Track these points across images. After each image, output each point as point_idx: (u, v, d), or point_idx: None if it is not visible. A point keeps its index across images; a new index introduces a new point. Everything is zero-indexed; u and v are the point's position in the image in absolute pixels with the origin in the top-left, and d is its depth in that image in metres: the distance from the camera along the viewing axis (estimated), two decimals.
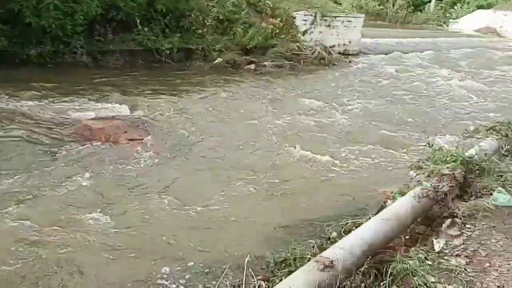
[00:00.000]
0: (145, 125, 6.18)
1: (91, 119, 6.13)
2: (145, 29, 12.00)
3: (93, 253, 3.49)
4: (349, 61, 15.02)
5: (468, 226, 3.21)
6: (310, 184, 5.01)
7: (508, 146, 4.96)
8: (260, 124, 7.13)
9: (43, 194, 4.33)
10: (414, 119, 8.04)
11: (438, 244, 2.94)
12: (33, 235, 3.62)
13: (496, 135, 5.20)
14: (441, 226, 3.30)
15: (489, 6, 33.12)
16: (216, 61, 12.29)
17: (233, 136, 6.39)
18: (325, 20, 16.12)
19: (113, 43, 11.56)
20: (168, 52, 11.80)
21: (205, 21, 13.27)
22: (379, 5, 36.63)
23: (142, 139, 5.60)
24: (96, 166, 4.98)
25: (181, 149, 5.70)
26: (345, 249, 2.51)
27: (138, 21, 11.90)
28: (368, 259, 2.68)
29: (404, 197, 3.38)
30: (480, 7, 33.62)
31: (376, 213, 3.47)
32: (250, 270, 2.57)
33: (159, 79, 9.72)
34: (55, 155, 5.13)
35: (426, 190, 3.43)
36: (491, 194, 3.71)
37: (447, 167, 3.69)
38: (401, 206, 3.20)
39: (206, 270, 3.30)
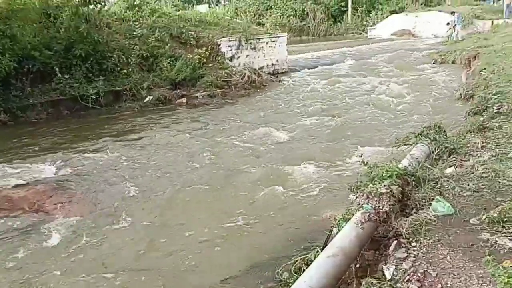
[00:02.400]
0: (74, 183, 5.74)
1: (11, 187, 5.60)
2: (66, 76, 11.45)
3: None
4: (279, 80, 15.23)
5: (413, 244, 3.17)
6: (253, 221, 4.84)
7: (438, 150, 5.10)
8: (195, 162, 6.87)
9: None
10: (347, 132, 8.17)
11: (388, 271, 2.87)
12: None
13: (426, 140, 5.34)
14: (388, 248, 3.25)
15: (401, 10, 35.25)
16: (146, 99, 11.96)
17: (167, 181, 6.09)
18: (250, 43, 16.34)
19: (33, 96, 10.91)
20: (94, 97, 11.31)
21: (129, 60, 12.95)
22: (301, 21, 37.98)
23: (69, 201, 5.18)
24: (14, 242, 4.48)
25: (113, 205, 5.32)
26: None
27: (57, 69, 11.36)
28: None
29: (347, 225, 3.31)
30: (393, 12, 35.68)
31: (323, 247, 3.36)
32: None
33: (87, 128, 9.24)
34: None
35: (368, 214, 3.38)
36: (430, 204, 3.74)
37: (384, 185, 3.67)
38: (346, 237, 3.11)
39: None
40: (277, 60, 17.32)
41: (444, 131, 5.65)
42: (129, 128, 9.20)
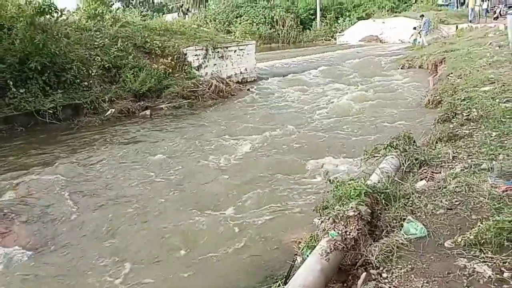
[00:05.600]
0: (15, 211, 5.18)
1: None
2: (21, 90, 10.81)
3: None
4: (248, 89, 14.93)
5: (384, 275, 2.84)
6: (208, 248, 4.40)
7: (408, 162, 4.84)
8: (150, 183, 6.39)
9: None
10: (313, 143, 7.84)
11: None
12: None
13: (395, 151, 5.06)
14: (357, 280, 2.90)
15: (368, 17, 35.74)
16: (108, 113, 11.40)
17: (117, 206, 5.59)
18: (218, 52, 16.01)
19: None
20: (51, 111, 10.69)
21: (90, 72, 12.38)
22: (270, 28, 37.98)
23: (6, 232, 4.64)
24: None
25: (55, 235, 4.80)
26: None
27: (11, 83, 10.69)
28: None
29: (311, 257, 2.94)
30: (360, 18, 36.17)
31: (285, 280, 3.00)
32: None
33: (40, 146, 8.58)
34: None
35: (334, 242, 3.03)
36: (402, 225, 3.43)
37: (351, 207, 3.34)
38: (309, 273, 2.74)
39: None
40: (246, 69, 17.04)
41: (414, 141, 5.38)
42: (84, 145, 8.62)
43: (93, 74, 12.41)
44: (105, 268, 4.23)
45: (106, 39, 13.70)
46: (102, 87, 12.41)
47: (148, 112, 11.71)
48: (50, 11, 11.82)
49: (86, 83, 12.09)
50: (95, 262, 4.33)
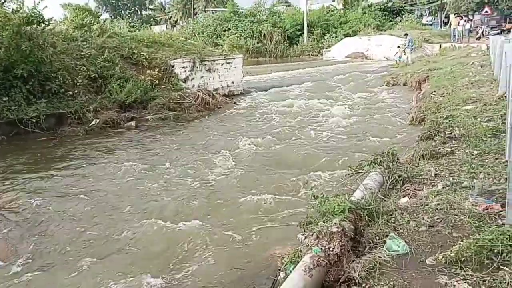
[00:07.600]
0: None
1: None
2: (4, 99, 10.71)
3: None
4: (234, 102, 14.98)
5: None
6: (191, 261, 4.35)
7: (392, 178, 4.90)
8: (131, 196, 6.30)
9: None
10: (298, 158, 7.86)
11: None
12: None
13: (379, 168, 5.12)
14: None
15: (354, 34, 36.34)
16: (92, 123, 11.28)
17: (98, 219, 5.50)
18: (205, 64, 16.07)
19: None
20: (34, 120, 10.56)
21: (75, 82, 12.30)
22: (258, 42, 38.35)
23: None
24: None
25: (37, 248, 4.70)
26: None
27: None
28: None
29: (295, 273, 2.95)
30: (346, 35, 36.75)
31: None
32: None
33: (21, 155, 8.43)
34: None
35: (317, 258, 3.04)
36: (384, 241, 3.46)
37: (335, 223, 3.36)
38: None
39: None
40: (233, 82, 17.12)
41: (398, 158, 5.47)
42: (67, 155, 8.50)
43: (78, 83, 12.34)
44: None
45: (93, 49, 13.65)
46: (87, 97, 12.32)
47: (133, 123, 11.63)
48: (37, 21, 11.74)
49: (71, 93, 12.00)
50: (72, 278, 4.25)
